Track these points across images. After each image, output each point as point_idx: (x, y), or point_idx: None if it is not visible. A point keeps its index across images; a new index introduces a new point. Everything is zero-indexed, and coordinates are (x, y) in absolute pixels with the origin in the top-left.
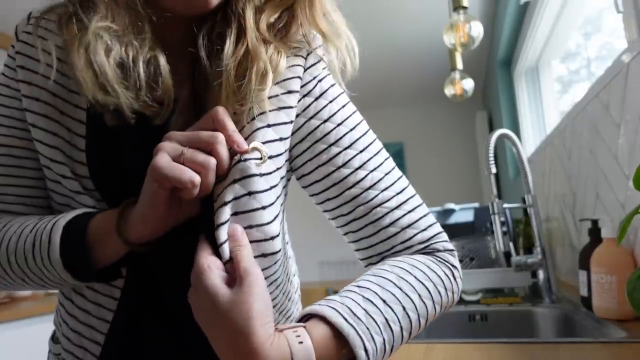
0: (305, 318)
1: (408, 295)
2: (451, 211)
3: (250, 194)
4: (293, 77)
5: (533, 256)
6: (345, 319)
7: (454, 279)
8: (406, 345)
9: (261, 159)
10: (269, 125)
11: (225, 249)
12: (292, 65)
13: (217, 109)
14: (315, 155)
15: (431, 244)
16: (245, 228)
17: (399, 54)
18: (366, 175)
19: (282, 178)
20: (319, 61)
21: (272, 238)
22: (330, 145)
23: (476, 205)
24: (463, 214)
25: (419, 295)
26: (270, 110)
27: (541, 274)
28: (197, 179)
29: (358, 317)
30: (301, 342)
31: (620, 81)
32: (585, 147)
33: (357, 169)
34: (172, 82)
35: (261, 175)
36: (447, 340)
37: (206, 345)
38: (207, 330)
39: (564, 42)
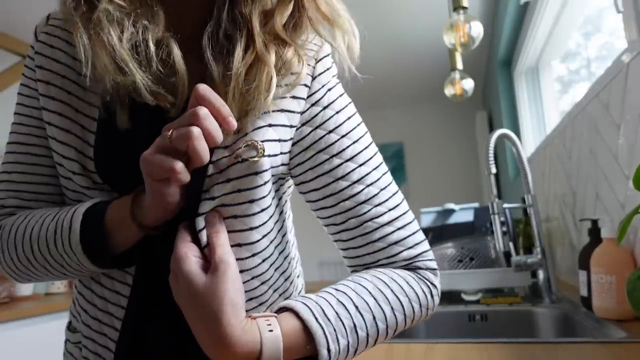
0: (279, 311)
1: (380, 306)
2: (451, 211)
3: (239, 190)
4: (300, 85)
5: (533, 256)
6: (316, 318)
7: (431, 296)
8: (406, 345)
9: (257, 156)
10: (270, 125)
11: (204, 235)
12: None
13: (197, 87)
14: (317, 164)
15: (415, 261)
16: (227, 218)
17: (399, 54)
18: (362, 190)
19: (275, 176)
20: (328, 69)
21: (252, 229)
22: (332, 157)
23: (476, 205)
24: (463, 214)
25: (392, 308)
26: (273, 111)
27: (541, 274)
28: (177, 165)
29: (328, 318)
30: (271, 331)
31: (620, 81)
32: (585, 147)
33: (354, 182)
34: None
35: (256, 173)
36: (447, 340)
37: None
38: (185, 313)
39: (564, 42)
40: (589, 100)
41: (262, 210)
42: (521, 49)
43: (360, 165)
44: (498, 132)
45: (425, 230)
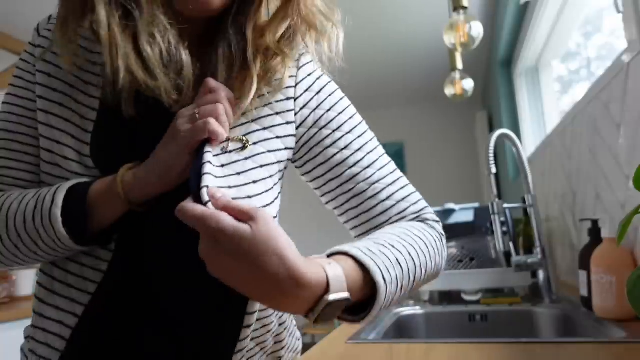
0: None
1: (411, 245)
2: (451, 211)
3: (239, 173)
4: (289, 86)
5: (533, 256)
6: (365, 253)
7: (442, 244)
8: (406, 345)
9: (244, 147)
10: (264, 128)
11: (211, 206)
12: (289, 75)
13: (208, 80)
14: (322, 139)
15: (422, 214)
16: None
17: (399, 54)
18: (364, 157)
19: (280, 162)
20: (310, 62)
21: (250, 197)
22: (334, 131)
23: (476, 205)
24: (463, 214)
25: (419, 246)
26: (268, 115)
27: (541, 274)
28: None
29: (373, 253)
30: (330, 264)
31: (620, 81)
32: (585, 147)
33: (356, 150)
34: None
35: (261, 166)
36: (447, 340)
37: (187, 328)
38: (238, 277)
39: (564, 42)
40: (589, 100)
41: (266, 191)
42: (521, 49)
43: (359, 136)
44: (498, 132)
45: None
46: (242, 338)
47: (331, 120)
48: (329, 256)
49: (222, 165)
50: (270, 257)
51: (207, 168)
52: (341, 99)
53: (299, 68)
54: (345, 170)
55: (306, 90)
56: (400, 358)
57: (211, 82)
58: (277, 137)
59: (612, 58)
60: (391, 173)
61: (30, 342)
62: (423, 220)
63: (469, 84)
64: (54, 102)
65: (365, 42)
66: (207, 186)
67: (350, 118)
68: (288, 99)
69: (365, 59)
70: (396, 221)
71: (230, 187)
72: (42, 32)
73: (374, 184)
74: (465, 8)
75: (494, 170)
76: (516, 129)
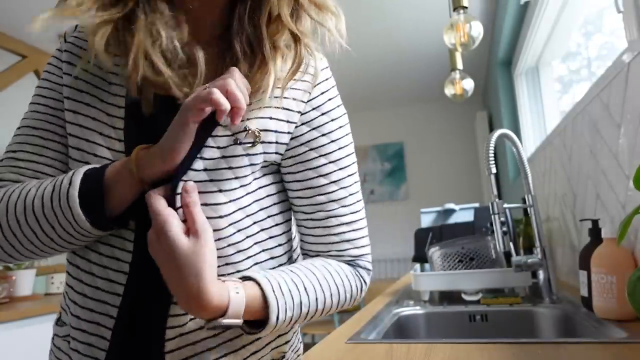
0: (245, 279)
1: (323, 291)
2: (451, 211)
3: (224, 158)
4: (301, 90)
5: (533, 256)
6: (273, 290)
7: (361, 291)
8: (406, 345)
9: (253, 143)
10: (270, 118)
11: (178, 199)
12: (302, 80)
13: (232, 69)
14: (306, 160)
15: (357, 259)
16: (205, 181)
17: (399, 54)
18: (336, 190)
19: (266, 162)
20: (327, 79)
21: (228, 200)
22: (320, 156)
23: (476, 205)
24: (463, 214)
25: (330, 293)
26: (275, 107)
27: (541, 274)
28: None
29: (282, 293)
30: (237, 292)
31: (620, 81)
32: (585, 147)
33: (332, 182)
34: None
35: (247, 155)
36: (447, 340)
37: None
38: (164, 269)
39: (564, 42)
40: (589, 100)
41: (241, 186)
42: (521, 49)
43: (340, 169)
44: (498, 132)
45: (426, 230)
46: (168, 326)
47: (322, 145)
48: (246, 278)
49: (222, 156)
50: (189, 273)
51: (201, 153)
52: (341, 127)
53: (314, 85)
54: (315, 196)
55: (314, 109)
56: (400, 358)
57: (231, 70)
58: (277, 143)
59: (613, 58)
60: (352, 213)
61: (71, 341)
62: (355, 265)
63: (469, 84)
64: (81, 102)
65: (365, 43)
66: (185, 181)
67: (340, 148)
68: (298, 112)
69: (365, 60)
70: (334, 255)
71: (212, 180)
72: (68, 39)
73: (332, 217)
74: (465, 8)
75: (494, 170)
76: (516, 129)
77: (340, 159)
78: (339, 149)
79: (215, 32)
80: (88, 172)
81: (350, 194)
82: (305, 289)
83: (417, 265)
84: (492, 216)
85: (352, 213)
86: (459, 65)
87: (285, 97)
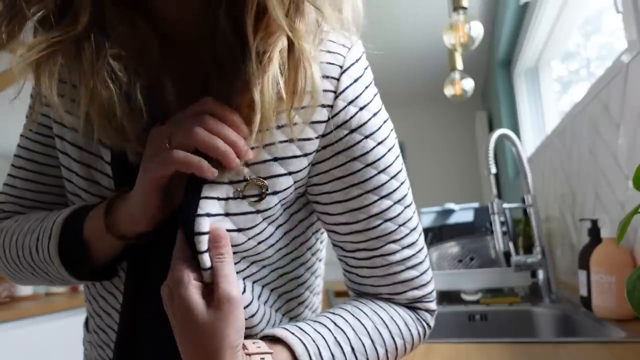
0: (275, 340)
1: (376, 349)
2: (451, 211)
3: (241, 230)
4: (319, 120)
5: (533, 256)
6: (311, 358)
7: (424, 336)
8: None
9: (260, 196)
10: (275, 159)
11: (206, 259)
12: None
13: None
14: (335, 191)
15: (418, 302)
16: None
17: (399, 54)
18: (379, 225)
19: (285, 209)
20: (358, 79)
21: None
22: (352, 186)
23: (476, 205)
24: (463, 214)
25: (386, 350)
26: (280, 142)
27: (541, 274)
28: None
29: (322, 357)
30: None
31: (620, 81)
32: (585, 147)
33: (372, 216)
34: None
35: (258, 212)
36: (447, 340)
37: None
38: (179, 339)
39: (564, 42)
40: (589, 101)
41: (269, 247)
42: (521, 49)
43: (382, 197)
44: (498, 132)
45: (425, 230)
46: None
47: (353, 173)
48: (275, 339)
49: (227, 214)
50: (205, 352)
51: (202, 206)
52: (378, 143)
53: (337, 94)
54: (351, 233)
55: (339, 126)
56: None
57: (200, 103)
58: (290, 174)
59: (612, 58)
60: (405, 248)
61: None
62: (415, 309)
63: (468, 84)
64: (67, 128)
65: (364, 43)
66: (208, 232)
67: (379, 172)
68: (316, 137)
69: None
70: (386, 298)
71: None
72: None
73: (376, 257)
74: (465, 8)
75: (493, 170)
76: (516, 129)
77: (381, 185)
78: (378, 173)
79: (192, 38)
80: (66, 224)
81: (400, 225)
82: (352, 349)
83: None
84: (492, 216)
85: (404, 247)
86: (459, 65)
87: (295, 124)
